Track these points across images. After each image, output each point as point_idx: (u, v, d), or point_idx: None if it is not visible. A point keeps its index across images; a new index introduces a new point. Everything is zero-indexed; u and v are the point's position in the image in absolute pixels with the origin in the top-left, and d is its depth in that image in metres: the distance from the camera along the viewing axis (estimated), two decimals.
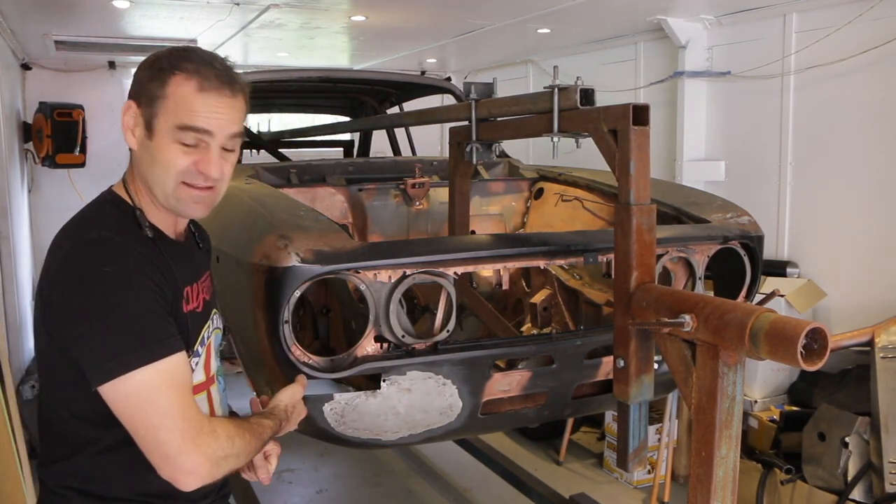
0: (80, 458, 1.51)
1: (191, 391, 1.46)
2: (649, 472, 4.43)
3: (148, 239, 1.52)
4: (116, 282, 1.40)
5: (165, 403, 1.38)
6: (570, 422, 4.83)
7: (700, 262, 2.69)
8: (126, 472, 1.50)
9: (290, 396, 1.75)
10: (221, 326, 1.78)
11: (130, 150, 1.57)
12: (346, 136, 6.10)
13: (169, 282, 1.50)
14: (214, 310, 1.74)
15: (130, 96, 1.53)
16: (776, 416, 4.07)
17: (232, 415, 1.80)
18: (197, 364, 1.60)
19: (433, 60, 7.16)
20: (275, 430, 1.64)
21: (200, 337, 1.62)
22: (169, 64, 1.49)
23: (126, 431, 1.41)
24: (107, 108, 6.74)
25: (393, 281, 2.20)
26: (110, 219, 1.51)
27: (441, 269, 2.27)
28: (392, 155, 5.36)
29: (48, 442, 1.56)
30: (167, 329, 1.44)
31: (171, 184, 1.51)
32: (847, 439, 3.51)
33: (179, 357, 1.44)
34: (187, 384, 1.45)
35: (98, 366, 1.38)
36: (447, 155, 3.04)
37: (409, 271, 2.22)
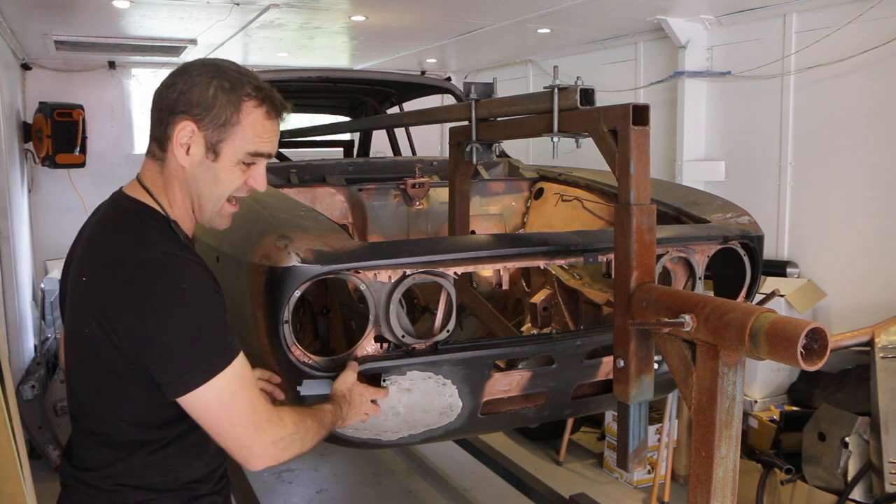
0: (134, 458, 1.57)
1: (255, 383, 1.60)
2: (649, 472, 4.43)
3: (188, 247, 1.60)
4: (192, 297, 1.47)
5: (241, 402, 1.52)
6: (570, 422, 4.83)
7: (700, 262, 2.69)
8: (175, 464, 1.59)
9: (342, 382, 1.95)
10: None
11: (157, 159, 1.60)
12: (346, 136, 6.10)
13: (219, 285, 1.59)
14: None
15: (183, 113, 1.54)
16: (776, 416, 4.07)
17: None
18: None
19: (433, 60, 7.16)
20: (336, 414, 1.81)
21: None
22: (232, 86, 1.55)
23: (179, 429, 1.54)
24: (107, 108, 6.75)
25: (393, 281, 2.20)
26: (159, 233, 1.56)
27: (441, 269, 2.27)
28: (392, 155, 5.36)
29: (96, 449, 1.59)
30: (230, 332, 1.54)
31: (223, 201, 1.62)
32: (847, 439, 3.51)
33: (242, 355, 1.55)
34: (252, 378, 1.58)
35: (179, 378, 1.46)
36: (447, 155, 3.04)
37: (409, 271, 2.22)
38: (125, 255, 1.49)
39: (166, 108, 1.56)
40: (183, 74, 1.57)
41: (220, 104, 1.53)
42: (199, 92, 1.53)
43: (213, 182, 1.58)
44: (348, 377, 1.96)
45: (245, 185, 1.62)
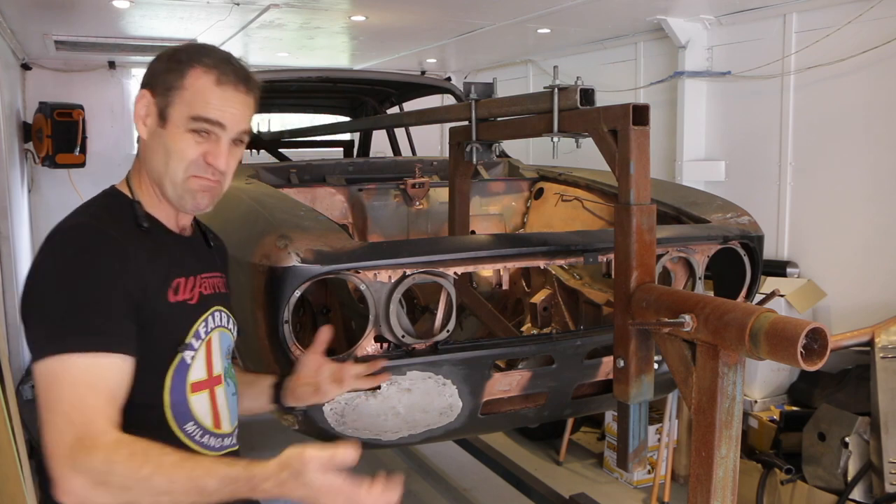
0: None
1: (106, 397, 1.33)
2: (649, 472, 4.43)
3: (139, 229, 1.53)
4: (74, 267, 1.40)
5: (62, 400, 1.29)
6: (570, 422, 4.83)
7: (700, 262, 2.69)
8: None
9: (289, 459, 1.28)
10: (232, 328, 1.74)
11: (139, 142, 1.60)
12: (346, 136, 6.10)
13: (149, 271, 1.48)
14: (218, 307, 1.68)
15: (144, 86, 1.56)
16: (776, 416, 4.06)
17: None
18: (193, 358, 1.56)
19: (433, 60, 7.16)
20: (246, 484, 1.27)
21: (194, 331, 1.58)
22: (187, 57, 1.53)
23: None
24: (107, 108, 6.75)
25: (393, 281, 2.21)
26: (98, 207, 1.54)
27: (441, 269, 2.27)
28: (392, 155, 5.36)
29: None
30: (112, 326, 1.38)
31: (182, 175, 1.52)
32: (847, 439, 3.51)
33: (113, 359, 1.36)
34: (103, 388, 1.33)
35: (33, 344, 1.37)
36: (447, 155, 3.04)
37: (409, 271, 2.22)
38: (58, 225, 1.50)
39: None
40: (162, 53, 1.59)
41: (170, 70, 1.53)
42: (158, 63, 1.56)
43: (165, 152, 1.53)
44: (309, 457, 1.27)
45: (204, 161, 1.53)
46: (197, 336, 1.58)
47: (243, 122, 1.57)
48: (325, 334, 1.91)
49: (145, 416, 1.47)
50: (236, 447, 1.71)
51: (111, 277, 1.41)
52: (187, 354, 1.55)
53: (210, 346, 1.62)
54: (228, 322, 1.72)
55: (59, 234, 1.46)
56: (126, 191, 1.59)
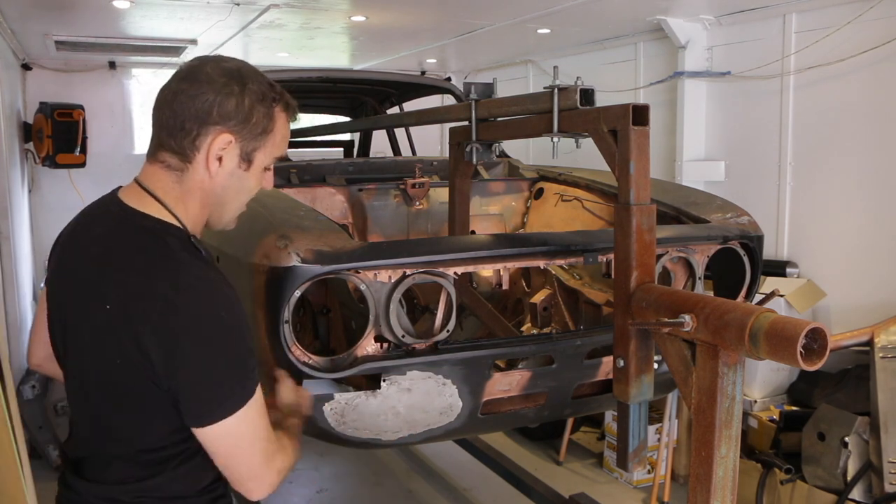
0: (162, 475, 1.51)
1: (266, 411, 1.54)
2: (649, 472, 4.44)
3: (212, 264, 1.54)
4: (228, 329, 1.44)
5: (259, 430, 1.49)
6: (570, 422, 4.83)
7: (700, 262, 2.69)
8: (198, 471, 1.55)
9: (286, 394, 1.83)
10: None
11: (172, 171, 1.50)
12: (346, 136, 6.10)
13: None
14: None
15: (221, 125, 1.46)
16: (776, 416, 4.07)
17: None
18: None
19: (433, 60, 7.16)
20: (300, 428, 1.77)
21: None
22: (262, 94, 1.51)
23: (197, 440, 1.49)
24: (107, 108, 6.74)
25: (393, 281, 2.21)
26: (184, 252, 1.47)
27: (441, 269, 2.27)
28: (392, 155, 5.36)
29: (119, 466, 1.52)
30: (254, 359, 1.50)
31: (244, 206, 1.60)
32: (847, 439, 3.51)
33: (259, 384, 1.50)
34: (265, 407, 1.53)
35: (205, 410, 1.43)
36: (447, 155, 3.04)
37: (409, 271, 2.22)
38: (157, 281, 1.40)
39: (194, 118, 1.45)
40: (210, 83, 1.46)
41: (258, 114, 1.50)
42: (237, 103, 1.46)
43: (240, 190, 1.55)
44: (287, 385, 1.85)
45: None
46: None
47: None
48: None
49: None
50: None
51: (245, 319, 1.51)
52: None
53: None
54: None
55: (189, 293, 1.41)
56: (172, 220, 1.50)
